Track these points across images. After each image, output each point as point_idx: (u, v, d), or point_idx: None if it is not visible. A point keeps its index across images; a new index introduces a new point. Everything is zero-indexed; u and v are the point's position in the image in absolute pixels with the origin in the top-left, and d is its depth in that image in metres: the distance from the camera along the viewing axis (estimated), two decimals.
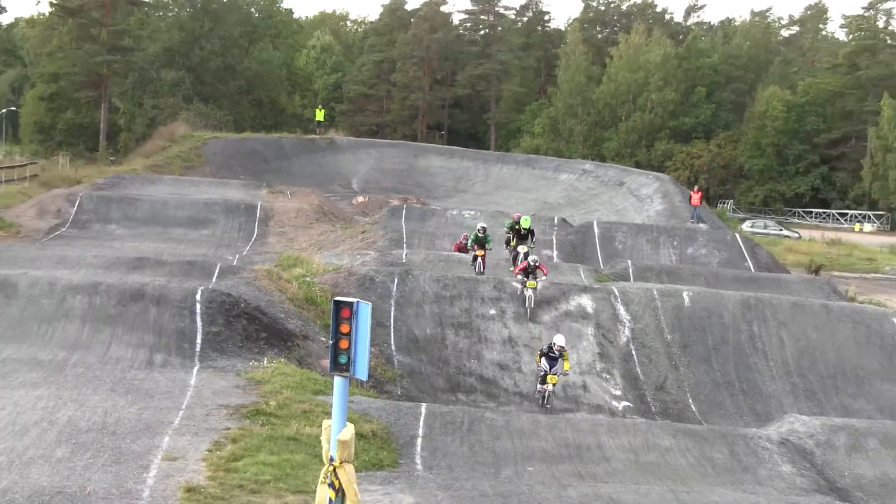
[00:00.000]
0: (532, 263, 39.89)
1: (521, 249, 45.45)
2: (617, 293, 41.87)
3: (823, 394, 37.75)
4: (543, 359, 34.47)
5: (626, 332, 39.49)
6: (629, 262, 52.65)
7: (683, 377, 37.61)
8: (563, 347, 34.21)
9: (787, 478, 27.47)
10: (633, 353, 38.34)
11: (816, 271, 68.47)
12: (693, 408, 35.99)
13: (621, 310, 40.57)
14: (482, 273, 45.52)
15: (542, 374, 34.53)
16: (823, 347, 40.08)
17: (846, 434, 30.65)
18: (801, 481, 27.33)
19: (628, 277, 48.03)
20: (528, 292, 39.77)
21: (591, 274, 49.97)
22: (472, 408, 32.18)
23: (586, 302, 40.95)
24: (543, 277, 40.07)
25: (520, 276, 40.79)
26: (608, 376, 35.48)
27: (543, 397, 35.05)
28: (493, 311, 40.09)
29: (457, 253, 53.70)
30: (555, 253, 57.12)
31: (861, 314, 43.93)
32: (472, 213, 64.92)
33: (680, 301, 41.21)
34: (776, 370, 38.58)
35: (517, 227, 47.27)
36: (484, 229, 47.09)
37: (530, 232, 47.18)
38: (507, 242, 49.30)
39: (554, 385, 34.52)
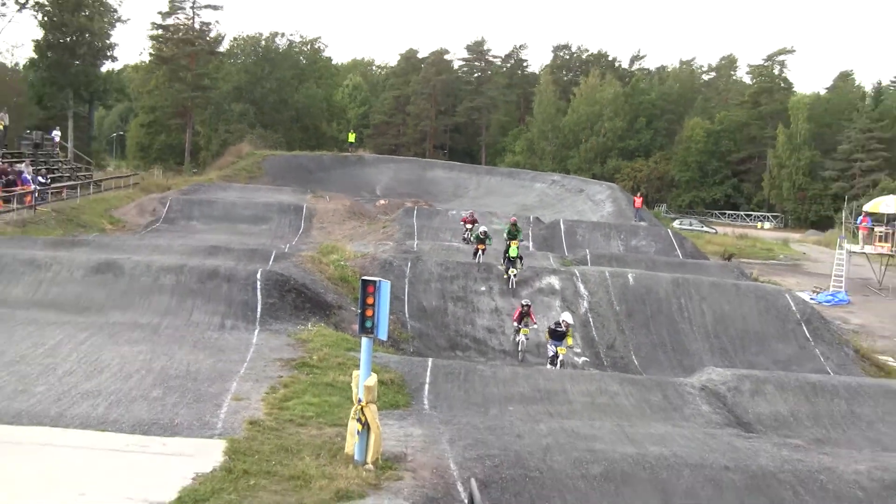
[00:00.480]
0: (526, 306, 35.59)
1: (512, 272, 40.97)
2: (578, 274, 41.85)
3: (733, 351, 37.76)
4: (551, 338, 32.44)
5: (585, 304, 39.46)
6: (587, 250, 52.69)
7: (628, 339, 37.63)
8: (570, 324, 32.61)
9: (706, 415, 27.43)
10: (590, 320, 38.35)
11: (729, 258, 68.47)
12: (635, 362, 35.98)
13: (581, 287, 40.55)
14: (480, 262, 44.56)
15: (552, 354, 32.27)
16: (733, 316, 40.11)
17: (750, 381, 30.60)
18: (716, 417, 27.30)
19: (586, 262, 48.02)
20: (521, 337, 35.68)
21: (558, 259, 50.10)
22: (467, 362, 32.15)
23: (554, 281, 40.98)
24: (534, 326, 35.60)
25: (514, 325, 36.27)
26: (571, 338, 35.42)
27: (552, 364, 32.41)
28: (483, 288, 40.13)
29: (455, 244, 53.72)
30: (531, 244, 57.11)
31: (762, 291, 43.97)
32: (468, 212, 64.98)
33: (626, 280, 41.19)
34: (698, 333, 38.57)
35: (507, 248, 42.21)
36: (485, 232, 46.40)
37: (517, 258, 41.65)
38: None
39: (563, 355, 32.37)
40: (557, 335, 32.21)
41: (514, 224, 45.63)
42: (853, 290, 61.32)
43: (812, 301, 51.11)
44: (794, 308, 41.49)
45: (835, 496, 20.70)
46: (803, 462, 21.98)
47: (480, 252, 45.96)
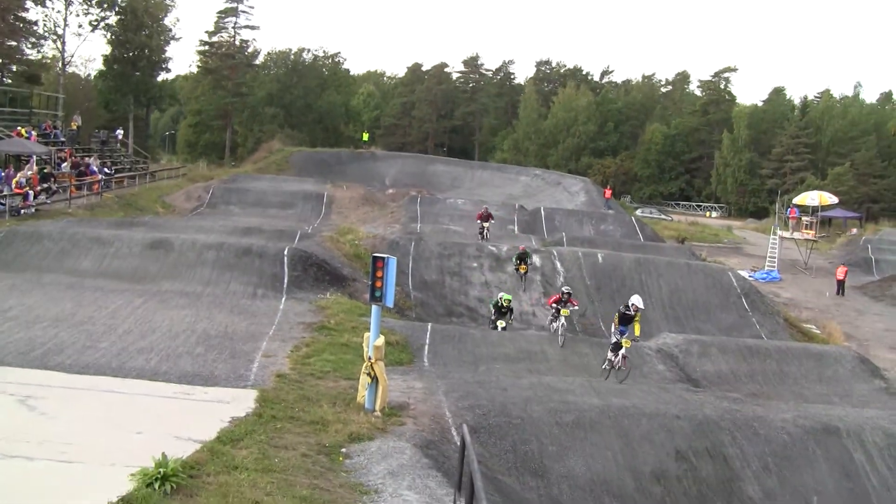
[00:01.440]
0: (566, 293, 30.04)
1: (500, 324, 31.91)
2: (555, 253, 41.77)
3: (685, 320, 37.76)
4: (619, 324, 25.61)
5: (561, 278, 39.37)
6: (564, 234, 52.64)
7: (597, 308, 37.57)
8: (640, 308, 25.43)
9: (661, 373, 27.45)
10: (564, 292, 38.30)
11: (682, 241, 68.38)
12: (603, 328, 35.90)
13: (558, 264, 40.48)
14: (487, 240, 44.33)
15: (615, 340, 25.68)
16: (685, 290, 40.09)
17: (698, 345, 30.63)
18: (669, 375, 27.33)
19: (563, 243, 47.94)
20: (561, 320, 29.32)
21: (538, 241, 50.07)
22: (460, 327, 32.17)
23: (535, 259, 40.86)
24: (575, 308, 30.70)
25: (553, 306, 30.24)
26: (549, 308, 35.38)
27: (612, 367, 25.64)
28: (475, 265, 40.05)
29: (453, 227, 53.69)
30: (516, 227, 57.08)
31: (709, 269, 43.96)
32: (463, 201, 65.02)
33: (596, 259, 41.13)
34: (656, 304, 38.51)
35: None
36: (526, 250, 39.96)
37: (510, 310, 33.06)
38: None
39: (627, 348, 25.42)
40: (626, 319, 25.45)
41: (525, 253, 39.74)
42: (784, 269, 61.35)
43: (750, 278, 51.12)
44: (735, 284, 41.48)
45: (765, 440, 20.74)
46: (740, 412, 22.01)
47: (486, 230, 46.29)
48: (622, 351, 25.25)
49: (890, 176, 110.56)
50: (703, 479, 19.72)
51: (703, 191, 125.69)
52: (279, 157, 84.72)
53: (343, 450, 14.91)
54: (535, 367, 26.21)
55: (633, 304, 25.18)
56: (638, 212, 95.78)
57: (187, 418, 15.59)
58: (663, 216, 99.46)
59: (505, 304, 31.78)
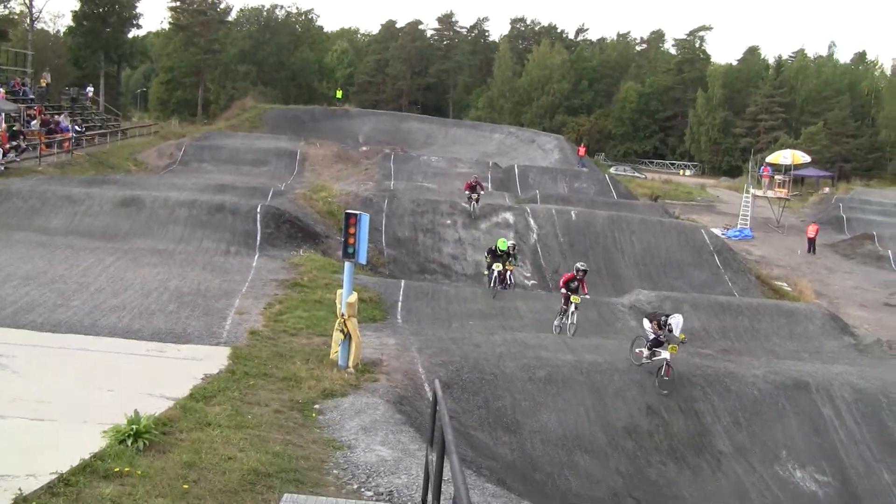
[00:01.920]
0: (580, 270, 25.61)
1: (496, 267, 29.78)
2: (529, 211, 41.75)
3: (657, 277, 37.91)
4: (653, 346, 21.59)
5: (534, 236, 39.43)
6: (537, 191, 52.61)
7: (570, 265, 37.54)
8: (674, 327, 21.22)
9: (633, 329, 27.52)
10: (539, 249, 38.33)
11: (655, 199, 68.57)
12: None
13: (531, 221, 40.48)
14: (476, 213, 40.77)
15: (656, 358, 21.47)
16: (658, 248, 40.23)
17: (670, 301, 30.75)
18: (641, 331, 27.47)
19: (536, 200, 47.89)
20: (571, 308, 25.06)
21: (512, 198, 49.98)
22: (434, 283, 32.20)
23: (509, 216, 40.88)
24: (586, 296, 25.90)
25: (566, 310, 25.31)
26: (522, 264, 35.40)
27: (659, 375, 21.26)
28: (448, 221, 40.00)
29: (426, 184, 53.56)
30: (490, 184, 57.00)
31: (682, 227, 44.13)
32: (437, 158, 64.89)
33: (569, 217, 41.16)
34: (629, 261, 38.66)
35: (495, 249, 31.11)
36: (513, 246, 32.70)
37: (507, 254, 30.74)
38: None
39: (673, 354, 21.12)
40: (657, 343, 21.54)
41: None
42: (756, 227, 61.64)
43: (722, 236, 51.31)
44: (708, 241, 41.64)
45: (736, 395, 20.96)
46: (712, 368, 22.23)
47: (475, 200, 40.70)
48: (665, 356, 21.18)
49: (862, 136, 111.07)
50: (675, 433, 19.92)
51: (677, 149, 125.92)
52: (252, 114, 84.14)
53: (316, 406, 14.94)
54: (508, 323, 26.31)
55: (671, 324, 21.33)
56: (612, 169, 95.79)
57: (160, 376, 15.57)
58: (637, 174, 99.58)
59: (502, 250, 30.34)
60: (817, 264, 52.09)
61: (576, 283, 25.44)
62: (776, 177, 68.46)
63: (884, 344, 32.12)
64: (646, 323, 22.20)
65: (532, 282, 35.91)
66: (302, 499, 10.01)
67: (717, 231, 51.16)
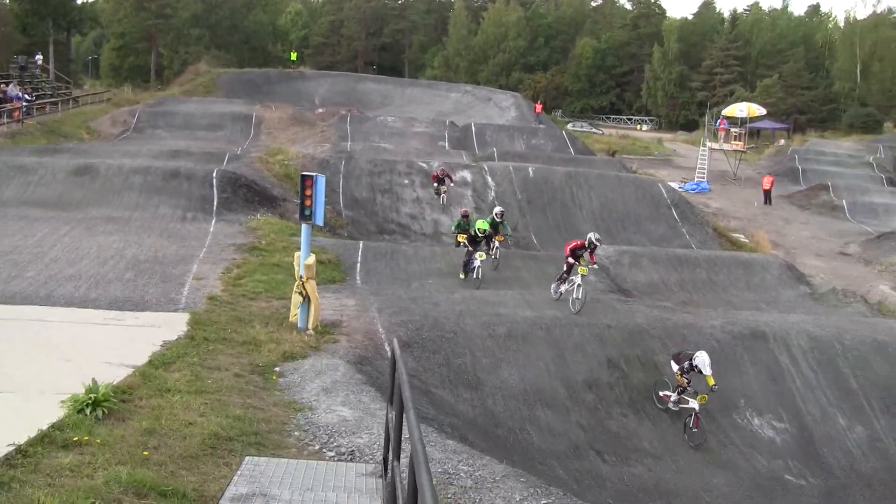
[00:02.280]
0: (594, 242, 23.23)
1: (479, 257, 26.21)
2: (486, 168, 41.78)
3: (616, 231, 38.09)
4: (679, 394, 19.54)
5: (492, 193, 39.48)
6: (494, 149, 52.55)
7: (529, 222, 37.78)
8: (700, 368, 18.94)
9: (592, 283, 27.65)
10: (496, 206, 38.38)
11: (613, 154, 68.72)
12: (535, 241, 36.21)
13: (489, 179, 40.53)
14: (445, 205, 37.63)
15: (678, 393, 19.54)
16: (616, 202, 40.44)
17: (629, 256, 31.02)
18: (600, 285, 27.65)
19: (494, 158, 47.89)
20: (577, 281, 22.62)
21: (470, 157, 49.95)
22: (392, 244, 32.19)
23: (467, 175, 40.87)
24: (594, 266, 23.87)
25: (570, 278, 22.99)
26: (508, 234, 35.43)
27: (687, 427, 19.34)
28: (406, 181, 39.90)
29: (383, 145, 53.33)
30: (447, 143, 56.91)
31: (639, 181, 44.37)
32: (393, 118, 64.64)
33: (527, 173, 41.23)
34: (587, 217, 38.84)
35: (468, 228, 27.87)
36: (502, 213, 30.54)
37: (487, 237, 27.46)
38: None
39: (703, 405, 19.15)
40: (683, 391, 19.54)
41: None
42: (713, 180, 62.07)
43: (680, 189, 51.65)
44: (665, 195, 41.91)
45: (695, 346, 21.16)
46: (670, 320, 22.43)
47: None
48: (694, 406, 19.27)
49: (817, 87, 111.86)
50: (635, 385, 20.12)
51: (634, 104, 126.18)
52: (206, 79, 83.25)
53: (276, 369, 14.94)
54: (467, 281, 26.38)
55: (698, 365, 18.91)
56: (569, 126, 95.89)
57: (118, 344, 15.46)
58: (594, 130, 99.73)
59: (482, 230, 26.92)
60: (773, 215, 52.60)
61: (584, 251, 23.16)
62: (732, 130, 68.86)
63: (839, 292, 32.58)
64: (674, 366, 19.69)
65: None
66: (263, 461, 10.02)
67: (674, 185, 51.47)
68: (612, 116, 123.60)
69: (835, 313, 28.95)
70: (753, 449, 19.41)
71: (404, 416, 6.59)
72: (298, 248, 18.04)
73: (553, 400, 18.88)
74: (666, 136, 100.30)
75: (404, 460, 6.90)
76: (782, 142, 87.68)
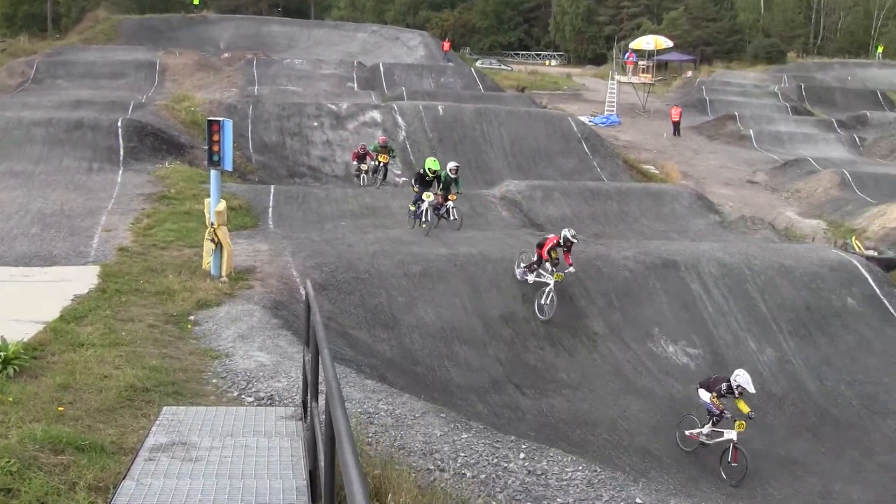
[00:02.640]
0: (570, 239, 20.68)
1: (427, 198, 24.15)
2: (396, 108, 41.59)
3: (527, 167, 38.35)
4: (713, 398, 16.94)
5: (403, 133, 39.37)
6: (403, 88, 52.46)
7: (440, 161, 37.70)
8: (744, 389, 16.65)
9: (506, 219, 28.03)
10: (408, 146, 38.29)
11: (522, 90, 68.76)
12: None
13: (399, 119, 40.36)
14: (365, 185, 32.09)
15: (713, 423, 17.10)
16: (527, 138, 40.63)
17: (541, 190, 31.30)
18: (513, 221, 27.93)
19: (403, 98, 47.75)
20: (550, 283, 20.53)
21: (379, 97, 49.70)
22: (304, 186, 32.02)
23: (376, 115, 40.65)
24: (570, 269, 20.65)
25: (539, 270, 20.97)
26: (392, 162, 35.33)
27: (724, 462, 16.70)
28: (315, 124, 39.55)
29: (291, 88, 52.75)
30: (356, 84, 56.52)
31: (549, 116, 44.66)
32: (300, 61, 63.89)
33: (437, 112, 41.17)
34: (498, 153, 39.00)
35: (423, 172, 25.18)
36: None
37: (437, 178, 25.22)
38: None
39: (741, 433, 16.59)
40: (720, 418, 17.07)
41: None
42: (622, 113, 62.59)
43: (590, 123, 51.99)
44: (575, 129, 42.24)
45: (608, 278, 21.56)
46: (583, 252, 22.71)
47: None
48: (731, 437, 16.76)
49: (722, 19, 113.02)
50: (550, 318, 20.40)
51: (542, 40, 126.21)
52: (106, 26, 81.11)
53: (191, 317, 14.86)
54: (381, 221, 26.39)
55: (739, 385, 16.64)
56: (477, 63, 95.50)
57: (27, 300, 15.20)
58: (503, 66, 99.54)
59: (434, 171, 24.76)
60: (682, 146, 53.37)
61: (559, 249, 20.71)
62: (640, 63, 69.51)
63: (747, 219, 33.39)
64: (703, 394, 17.27)
65: (403, 178, 35.95)
66: (182, 410, 9.99)
67: (584, 119, 51.79)
68: (521, 52, 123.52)
69: (744, 240, 29.67)
70: (668, 375, 19.89)
71: (319, 356, 6.64)
72: (208, 195, 17.86)
73: (470, 336, 19.10)
74: (575, 70, 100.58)
75: (323, 401, 6.97)
76: (689, 73, 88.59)
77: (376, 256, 20.61)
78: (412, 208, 24.93)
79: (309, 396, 7.89)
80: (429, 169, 24.88)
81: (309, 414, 7.84)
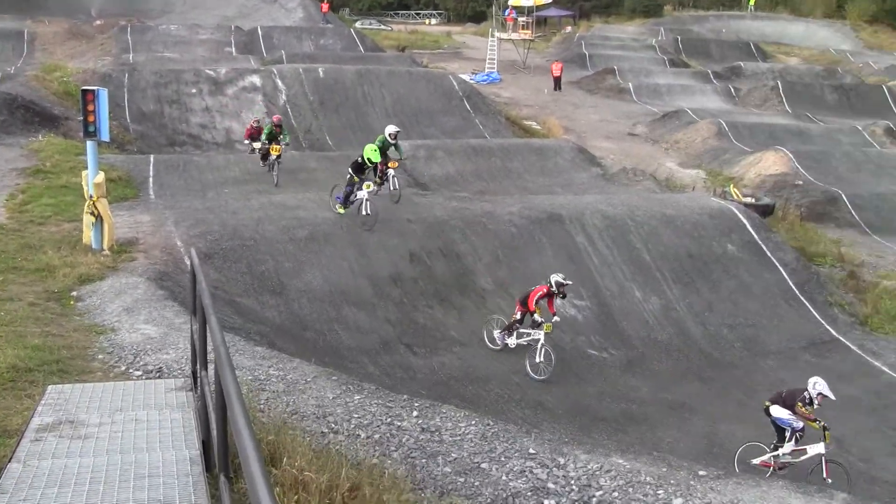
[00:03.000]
0: (562, 283, 18.89)
1: (367, 188, 21.22)
2: (276, 72, 41.04)
3: (410, 126, 38.28)
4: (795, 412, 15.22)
5: (283, 97, 38.93)
6: (283, 52, 51.92)
7: (322, 123, 37.54)
8: (825, 394, 15.14)
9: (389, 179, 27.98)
10: (289, 110, 37.88)
11: (403, 50, 68.58)
12: (329, 142, 36.08)
13: (279, 83, 39.86)
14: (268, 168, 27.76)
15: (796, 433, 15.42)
16: (409, 97, 40.62)
17: (424, 149, 31.40)
18: (398, 181, 27.90)
19: (283, 61, 47.22)
20: (541, 338, 18.37)
21: (258, 61, 49.03)
22: (184, 155, 31.44)
23: (256, 80, 40.06)
24: (556, 319, 18.83)
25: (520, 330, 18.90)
26: (285, 149, 34.92)
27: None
28: (193, 91, 38.78)
29: (168, 54, 51.66)
30: (234, 49, 55.66)
31: (430, 75, 44.68)
32: (176, 27, 62.59)
33: (317, 75, 40.79)
34: (380, 114, 38.85)
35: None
36: (396, 134, 25.26)
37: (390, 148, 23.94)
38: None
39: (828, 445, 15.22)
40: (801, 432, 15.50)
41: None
42: (503, 70, 62.83)
43: (471, 81, 52.12)
44: (456, 87, 42.37)
45: (494, 234, 21.81)
46: (469, 209, 22.94)
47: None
48: (819, 450, 15.16)
49: None
50: (438, 277, 20.57)
51: None
52: None
53: (73, 293, 14.57)
54: (264, 187, 26.13)
55: (821, 393, 15.15)
56: (357, 24, 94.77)
57: None
58: (383, 27, 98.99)
59: (370, 164, 21.77)
60: (563, 101, 53.91)
61: (545, 299, 18.88)
62: (520, 19, 69.66)
63: (629, 171, 34.04)
64: (777, 411, 15.59)
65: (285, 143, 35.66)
66: (68, 388, 9.81)
67: (465, 77, 51.93)
68: (401, 12, 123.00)
69: (626, 192, 30.27)
70: (557, 328, 20.23)
71: (207, 323, 6.61)
72: (86, 168, 17.48)
73: (359, 298, 19.13)
74: (455, 28, 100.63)
75: (213, 370, 6.95)
76: (569, 29, 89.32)
77: (261, 222, 20.45)
78: (336, 193, 22.19)
79: (198, 366, 7.85)
80: (368, 159, 21.60)
81: (199, 383, 7.81)
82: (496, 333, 19.04)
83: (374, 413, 10.99)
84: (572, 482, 10.28)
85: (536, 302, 18.51)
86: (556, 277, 18.76)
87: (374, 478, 9.13)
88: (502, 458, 10.51)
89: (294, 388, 11.26)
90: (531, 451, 10.75)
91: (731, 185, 34.18)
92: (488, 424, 11.29)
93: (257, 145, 28.25)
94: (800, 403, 15.17)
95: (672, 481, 10.52)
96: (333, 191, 21.43)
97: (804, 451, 15.31)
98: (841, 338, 22.53)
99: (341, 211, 21.51)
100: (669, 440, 16.36)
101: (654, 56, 71.27)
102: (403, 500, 8.97)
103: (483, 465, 10.33)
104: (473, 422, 11.25)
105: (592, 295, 21.89)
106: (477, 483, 10.03)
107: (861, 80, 65.55)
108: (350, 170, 21.75)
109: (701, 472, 11.05)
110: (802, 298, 23.80)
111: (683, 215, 25.39)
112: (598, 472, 10.47)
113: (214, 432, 5.70)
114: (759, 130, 44.62)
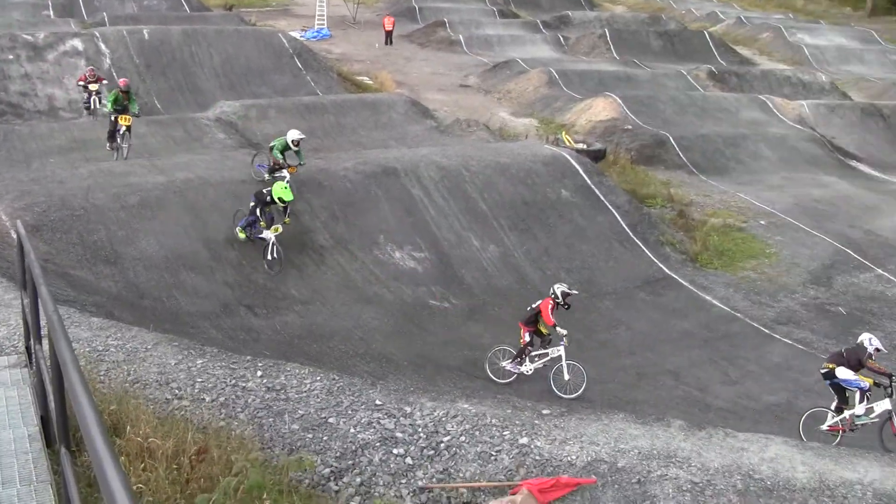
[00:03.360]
0: (568, 293, 17.34)
1: (273, 231, 19.47)
2: (98, 35, 39.64)
3: (240, 86, 37.80)
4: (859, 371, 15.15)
5: (108, 61, 37.69)
6: (105, 14, 50.26)
7: (150, 87, 36.55)
8: (880, 348, 15.39)
9: (222, 141, 27.77)
10: (114, 74, 36.41)
11: (230, 9, 66.90)
12: (158, 106, 35.20)
13: (102, 46, 38.54)
14: (95, 115, 29.62)
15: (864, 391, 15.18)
16: (238, 57, 39.97)
17: (256, 109, 31.12)
18: (230, 142, 27.74)
19: (105, 23, 45.71)
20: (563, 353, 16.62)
21: (78, 24, 47.30)
22: (4, 125, 30.19)
23: (77, 43, 38.61)
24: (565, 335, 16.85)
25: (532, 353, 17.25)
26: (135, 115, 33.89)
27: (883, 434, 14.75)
28: (10, 57, 36.95)
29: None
30: (51, 11, 53.45)
31: (259, 33, 44.13)
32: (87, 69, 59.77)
33: (142, 36, 39.64)
34: (209, 74, 38.18)
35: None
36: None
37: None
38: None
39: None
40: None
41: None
42: (333, 26, 62.30)
43: (301, 38, 51.56)
44: (286, 45, 41.90)
45: (330, 190, 21.91)
46: (303, 167, 22.78)
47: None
48: (887, 406, 14.94)
49: None
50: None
51: None
52: None
53: None
54: (91, 154, 25.42)
55: (877, 348, 15.22)
56: None
57: None
58: None
59: (282, 203, 19.69)
60: (395, 55, 53.92)
61: (560, 308, 17.33)
62: None
63: (462, 122, 34.46)
64: (844, 373, 15.18)
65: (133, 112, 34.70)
66: None
67: (295, 34, 51.29)
68: None
69: (460, 143, 30.66)
70: (398, 281, 20.48)
71: (38, 295, 6.51)
72: None
73: (196, 262, 18.91)
74: None
75: (48, 342, 6.85)
76: None
77: (91, 191, 19.91)
78: (241, 227, 19.97)
79: (32, 340, 7.71)
80: (278, 198, 19.53)
81: (34, 358, 7.67)
82: (504, 365, 17.19)
83: (217, 376, 11.00)
84: (420, 430, 10.54)
85: (552, 313, 16.80)
86: (560, 287, 17.29)
87: (222, 440, 9.19)
88: (349, 412, 10.69)
89: (134, 357, 11.15)
90: (378, 402, 10.96)
91: (563, 132, 34.99)
92: (334, 379, 11.44)
93: (94, 87, 27.45)
94: (870, 359, 14.94)
95: (517, 422, 10.91)
96: (236, 216, 20.10)
97: (872, 410, 15.04)
98: (673, 275, 23.53)
99: (242, 236, 19.93)
100: (512, 383, 16.82)
101: (484, 7, 71.75)
102: (252, 458, 9.06)
103: (331, 420, 10.49)
104: (318, 378, 11.38)
105: (431, 246, 22.18)
106: (325, 438, 10.19)
107: (684, 27, 67.69)
108: (254, 198, 19.74)
109: (545, 411, 11.49)
110: (635, 239, 24.71)
111: (517, 163, 25.91)
112: (444, 419, 10.76)
113: (52, 406, 5.65)
114: (588, 77, 45.64)
